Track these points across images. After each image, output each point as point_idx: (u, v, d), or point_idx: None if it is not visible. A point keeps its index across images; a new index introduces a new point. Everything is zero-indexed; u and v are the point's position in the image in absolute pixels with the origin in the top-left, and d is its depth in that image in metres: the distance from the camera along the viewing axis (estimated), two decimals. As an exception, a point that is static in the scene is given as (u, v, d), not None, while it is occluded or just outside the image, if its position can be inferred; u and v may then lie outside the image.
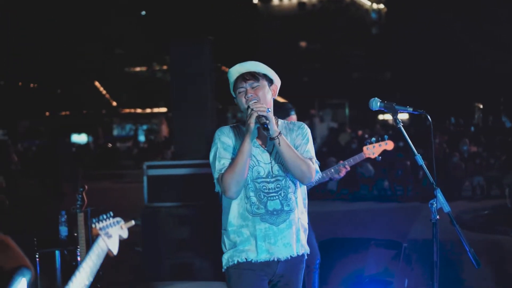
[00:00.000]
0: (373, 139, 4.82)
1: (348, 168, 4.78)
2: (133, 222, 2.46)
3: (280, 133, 3.02)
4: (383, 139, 4.81)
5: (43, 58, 26.40)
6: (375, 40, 31.99)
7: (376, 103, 3.09)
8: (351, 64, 29.42)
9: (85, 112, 34.32)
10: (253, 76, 3.15)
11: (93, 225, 2.24)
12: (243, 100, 3.12)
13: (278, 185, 3.13)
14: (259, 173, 3.11)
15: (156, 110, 34.82)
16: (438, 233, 2.88)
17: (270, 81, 3.23)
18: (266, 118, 2.95)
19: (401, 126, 3.02)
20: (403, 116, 27.17)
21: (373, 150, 4.78)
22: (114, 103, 35.43)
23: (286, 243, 3.14)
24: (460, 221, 9.81)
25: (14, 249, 1.80)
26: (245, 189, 3.11)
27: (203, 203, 6.54)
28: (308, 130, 3.27)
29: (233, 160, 3.05)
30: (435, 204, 2.85)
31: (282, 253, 3.13)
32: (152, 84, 32.49)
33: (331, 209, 12.26)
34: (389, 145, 4.81)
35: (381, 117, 28.60)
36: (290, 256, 3.15)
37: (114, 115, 36.06)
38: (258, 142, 3.17)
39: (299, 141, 3.21)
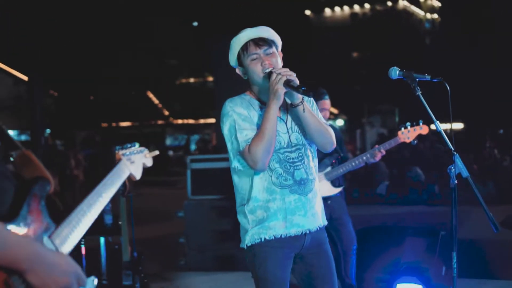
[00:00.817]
0: (408, 124, 4.84)
1: (384, 152, 4.80)
2: (157, 152, 2.52)
3: (303, 98, 2.92)
4: (417, 124, 4.83)
5: (97, 69, 27.10)
6: (427, 48, 31.63)
7: (395, 72, 3.12)
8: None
9: (138, 122, 34.97)
10: (266, 42, 3.02)
11: (116, 151, 2.32)
12: (258, 67, 2.98)
13: (300, 154, 3.02)
14: (280, 143, 2.98)
15: (209, 121, 35.16)
16: (456, 198, 2.90)
17: (277, 46, 3.09)
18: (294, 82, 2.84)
19: (420, 94, 3.04)
20: (458, 125, 26.75)
21: (408, 134, 4.80)
22: (166, 113, 36.00)
23: (314, 213, 3.03)
24: (510, 224, 9.66)
25: (35, 162, 1.89)
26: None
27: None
28: (313, 100, 3.18)
29: (259, 129, 2.90)
30: (454, 169, 2.87)
31: (312, 224, 3.01)
32: (204, 95, 32.80)
33: (378, 213, 12.19)
34: (424, 129, 4.82)
35: (433, 126, 28.11)
36: (319, 226, 3.05)
37: (167, 126, 36.64)
38: None
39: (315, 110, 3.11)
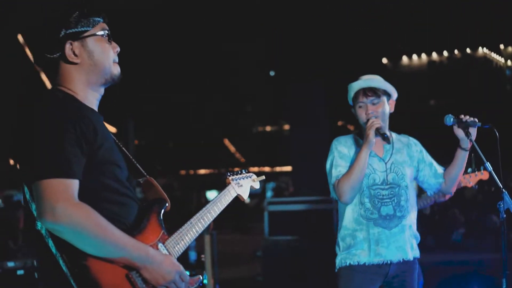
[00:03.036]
0: (470, 169, 5.11)
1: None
2: (263, 177, 2.96)
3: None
4: (479, 170, 5.09)
5: (176, 118, 27.92)
6: (508, 96, 31.06)
7: (449, 119, 3.48)
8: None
9: (215, 170, 35.60)
10: (375, 92, 3.43)
11: (227, 177, 2.78)
12: (363, 115, 3.42)
13: (392, 192, 3.38)
14: (374, 180, 3.37)
15: (285, 169, 35.36)
16: (506, 230, 3.21)
17: (389, 96, 3.53)
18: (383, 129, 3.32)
19: (472, 139, 3.36)
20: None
21: (469, 179, 5.06)
22: (243, 160, 36.57)
23: (398, 246, 3.38)
24: None
25: (156, 186, 2.42)
26: (360, 195, 3.36)
27: (320, 237, 6.97)
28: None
29: (350, 167, 3.32)
30: (503, 205, 3.20)
31: (394, 255, 3.37)
32: (280, 143, 33.07)
33: (453, 259, 12.11)
34: (484, 175, 5.06)
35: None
36: (403, 259, 3.40)
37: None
38: (376, 152, 3.44)
39: (429, 158, 3.60)
